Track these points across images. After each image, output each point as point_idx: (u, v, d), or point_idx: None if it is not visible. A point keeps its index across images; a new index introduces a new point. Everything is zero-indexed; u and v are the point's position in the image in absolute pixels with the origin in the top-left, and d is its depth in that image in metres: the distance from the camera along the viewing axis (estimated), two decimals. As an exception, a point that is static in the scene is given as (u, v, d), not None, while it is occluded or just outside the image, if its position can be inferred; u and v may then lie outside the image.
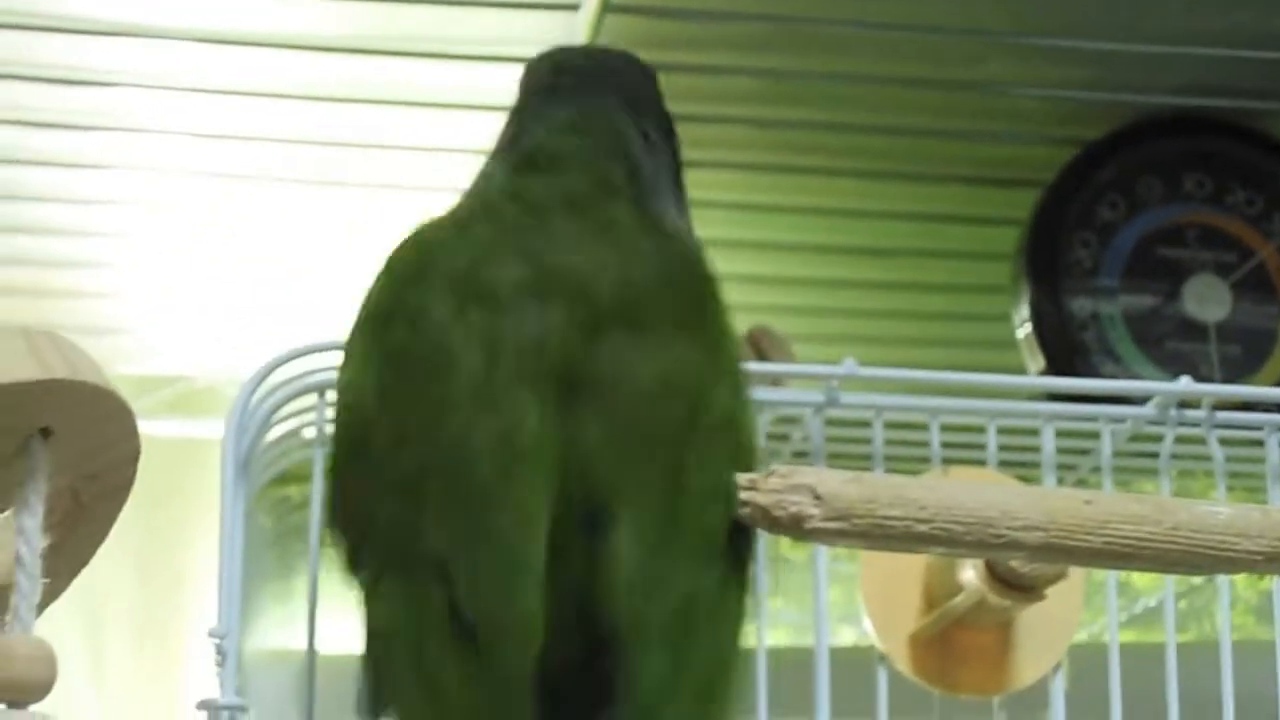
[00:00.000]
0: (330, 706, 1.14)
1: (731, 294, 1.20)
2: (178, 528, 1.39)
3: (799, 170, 1.17)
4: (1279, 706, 0.85)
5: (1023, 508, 0.70)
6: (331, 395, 0.81)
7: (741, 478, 0.68)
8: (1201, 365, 1.08)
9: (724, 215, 1.20)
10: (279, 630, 1.12)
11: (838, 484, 0.69)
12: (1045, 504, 0.70)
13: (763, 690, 0.82)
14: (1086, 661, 0.91)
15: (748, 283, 1.24)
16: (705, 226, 1.20)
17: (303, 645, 1.15)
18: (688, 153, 1.11)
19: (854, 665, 0.85)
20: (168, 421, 1.46)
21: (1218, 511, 0.71)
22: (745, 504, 0.68)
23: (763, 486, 0.68)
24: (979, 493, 0.70)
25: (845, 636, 1.21)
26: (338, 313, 1.33)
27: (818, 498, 0.68)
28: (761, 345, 1.03)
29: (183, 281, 1.34)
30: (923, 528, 0.69)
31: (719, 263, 1.23)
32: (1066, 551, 0.70)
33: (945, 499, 0.69)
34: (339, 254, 1.26)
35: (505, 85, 1.04)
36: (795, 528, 0.68)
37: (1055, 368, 1.04)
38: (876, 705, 0.82)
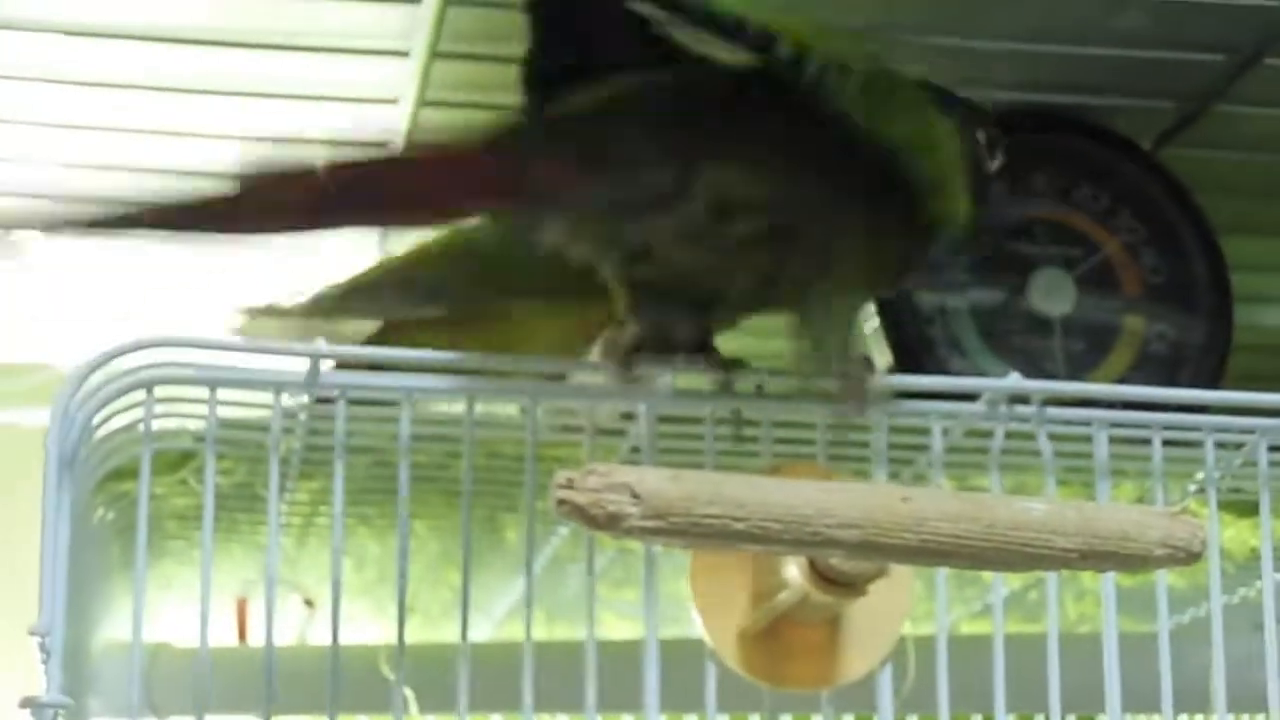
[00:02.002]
0: (170, 695, 1.14)
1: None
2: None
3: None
4: (1104, 696, 0.86)
5: (839, 506, 0.70)
6: (160, 391, 0.81)
7: (559, 475, 0.68)
8: (1046, 360, 1.09)
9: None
10: (127, 623, 1.11)
11: (657, 482, 0.69)
12: (862, 502, 0.71)
13: (592, 684, 0.82)
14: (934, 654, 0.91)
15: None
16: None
17: (146, 637, 1.15)
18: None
19: (688, 659, 0.86)
20: (27, 411, 1.45)
21: (1033, 509, 0.72)
22: (562, 502, 0.68)
23: (580, 485, 0.68)
24: (797, 491, 0.71)
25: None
26: (192, 302, 1.34)
27: (636, 496, 0.68)
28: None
29: (44, 269, 1.33)
30: (739, 526, 0.69)
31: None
32: (883, 549, 0.71)
33: (763, 497, 0.70)
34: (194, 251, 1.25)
35: (350, 78, 1.05)
36: (613, 526, 0.69)
37: (902, 362, 1.04)
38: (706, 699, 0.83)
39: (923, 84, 0.83)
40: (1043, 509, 0.72)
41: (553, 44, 0.83)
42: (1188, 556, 0.73)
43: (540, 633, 1.34)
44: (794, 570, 0.80)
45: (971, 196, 0.83)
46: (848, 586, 0.79)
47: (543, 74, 0.83)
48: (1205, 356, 1.12)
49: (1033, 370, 1.03)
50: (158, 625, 1.21)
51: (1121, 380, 1.10)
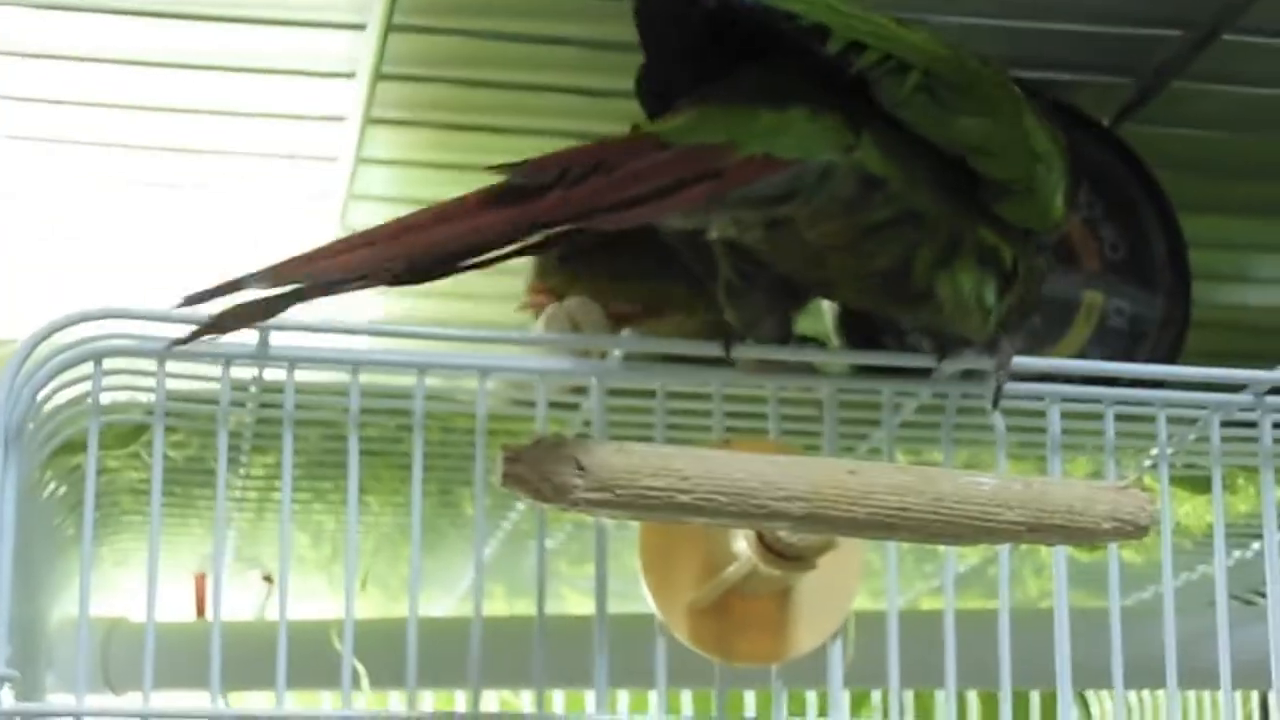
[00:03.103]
0: (127, 670, 1.14)
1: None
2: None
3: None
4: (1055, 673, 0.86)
5: (786, 479, 0.70)
6: (109, 364, 0.81)
7: (505, 448, 0.68)
8: (1014, 334, 1.09)
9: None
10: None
11: (603, 454, 0.69)
12: (809, 475, 0.71)
13: (540, 660, 0.82)
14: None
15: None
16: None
17: (103, 612, 1.15)
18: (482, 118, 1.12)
19: (641, 634, 0.86)
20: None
21: (981, 483, 0.72)
22: (508, 476, 0.68)
23: (526, 458, 0.68)
24: (744, 464, 0.71)
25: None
26: (137, 275, 1.33)
27: (581, 468, 0.68)
28: (575, 316, 1.02)
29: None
30: (685, 498, 0.69)
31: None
32: (829, 522, 0.71)
33: (709, 469, 0.70)
34: (142, 218, 1.25)
35: (306, 51, 1.05)
36: (559, 499, 0.69)
37: (855, 337, 1.04)
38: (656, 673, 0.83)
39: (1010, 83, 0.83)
40: (991, 483, 0.72)
41: (660, 56, 0.82)
42: (1135, 530, 0.73)
43: (501, 608, 1.34)
44: (743, 543, 0.80)
45: (1066, 200, 0.84)
46: (796, 560, 0.79)
47: (654, 83, 0.82)
48: (1163, 332, 1.12)
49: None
50: (115, 600, 1.21)
51: (1080, 355, 1.10)
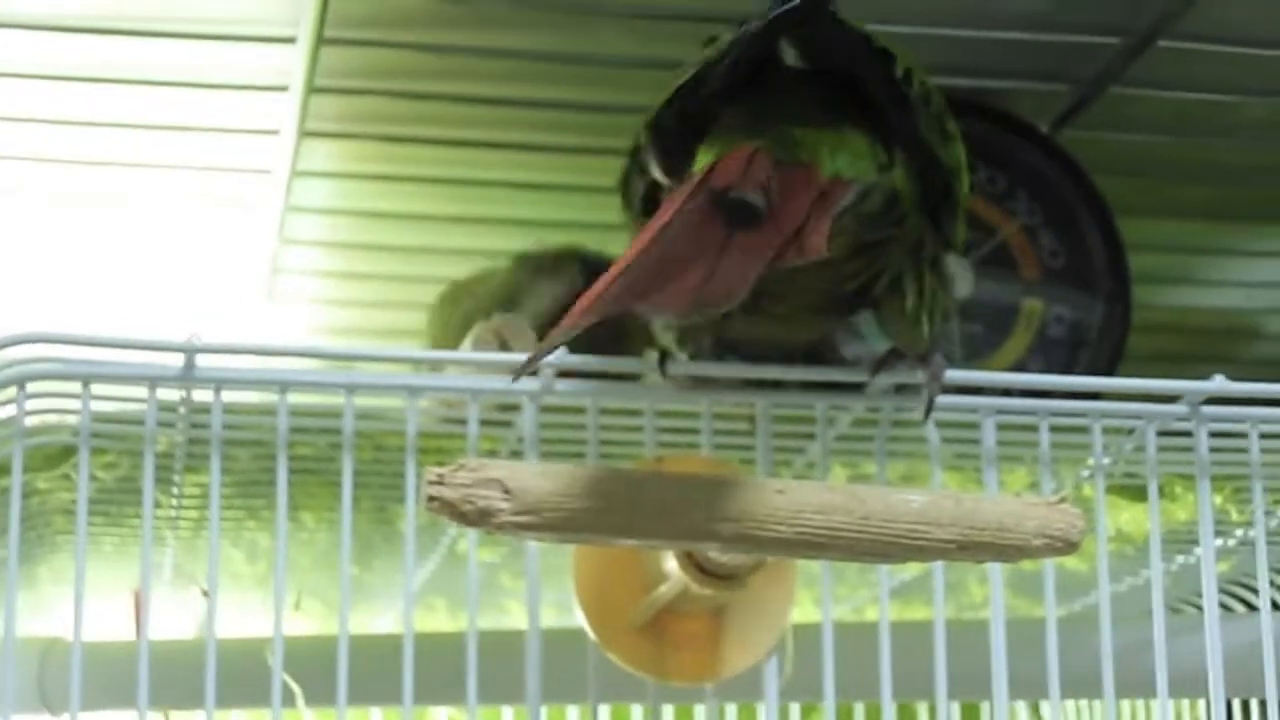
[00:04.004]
0: (64, 690, 1.13)
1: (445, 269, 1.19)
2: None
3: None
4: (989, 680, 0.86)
5: (714, 499, 0.70)
6: (33, 387, 0.80)
7: (430, 472, 0.67)
8: (946, 344, 1.09)
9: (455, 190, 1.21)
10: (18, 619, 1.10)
11: (528, 478, 0.68)
12: (737, 495, 0.70)
13: (473, 676, 0.81)
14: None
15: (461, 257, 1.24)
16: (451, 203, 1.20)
17: (41, 631, 1.13)
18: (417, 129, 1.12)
19: (576, 649, 0.85)
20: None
21: (910, 500, 0.72)
22: (433, 499, 0.67)
23: (451, 481, 0.67)
24: (672, 485, 0.70)
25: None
26: (71, 291, 1.32)
27: (507, 492, 0.68)
28: (503, 334, 1.02)
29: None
30: (613, 520, 0.69)
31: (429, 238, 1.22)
32: (758, 542, 0.70)
33: (636, 492, 0.69)
34: (74, 233, 1.24)
35: (239, 65, 1.04)
36: (484, 522, 0.68)
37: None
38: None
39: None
40: (920, 500, 0.72)
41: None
42: (1066, 546, 0.73)
43: (444, 623, 1.33)
44: (674, 563, 0.79)
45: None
46: (727, 579, 0.78)
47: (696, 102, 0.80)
48: (1104, 338, 1.12)
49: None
50: (52, 620, 1.20)
51: (1020, 362, 1.10)
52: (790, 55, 0.79)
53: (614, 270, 0.69)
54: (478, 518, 0.67)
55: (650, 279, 0.69)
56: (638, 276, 0.69)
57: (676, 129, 0.79)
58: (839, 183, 0.75)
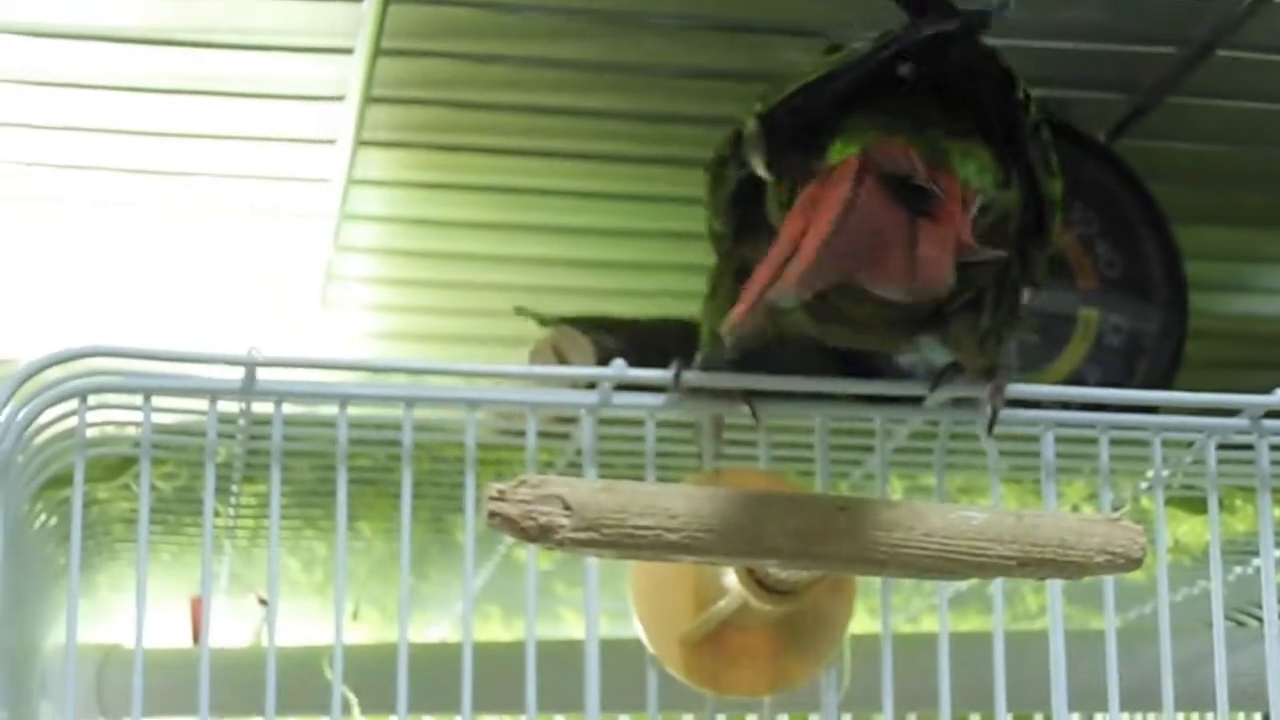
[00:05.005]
0: (123, 696, 1.13)
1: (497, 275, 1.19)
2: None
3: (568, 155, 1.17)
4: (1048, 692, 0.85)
5: (775, 516, 0.69)
6: (94, 399, 0.80)
7: (491, 487, 0.68)
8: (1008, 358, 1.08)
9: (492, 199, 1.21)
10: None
11: (589, 493, 0.68)
12: (799, 512, 0.70)
13: (532, 685, 0.81)
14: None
15: (513, 264, 1.24)
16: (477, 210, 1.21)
17: (100, 638, 1.14)
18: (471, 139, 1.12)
19: (634, 658, 0.85)
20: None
21: (971, 517, 0.72)
22: (494, 515, 0.67)
23: (512, 497, 0.67)
24: (733, 501, 0.70)
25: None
26: (131, 300, 1.33)
27: (568, 508, 0.68)
28: (560, 346, 1.02)
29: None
30: (673, 537, 0.68)
31: (481, 245, 1.22)
32: (820, 559, 0.70)
33: (697, 508, 0.69)
34: (135, 242, 1.25)
35: (296, 75, 1.05)
36: (545, 538, 0.68)
37: (849, 363, 1.03)
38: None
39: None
40: (981, 517, 0.71)
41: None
42: (1128, 563, 0.73)
43: (498, 630, 1.34)
44: (733, 577, 0.79)
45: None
46: (786, 594, 0.78)
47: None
48: (1161, 346, 1.11)
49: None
50: (111, 627, 1.21)
51: (1077, 372, 1.10)
52: (904, 68, 0.77)
53: (808, 243, 0.67)
54: (538, 534, 0.67)
55: (855, 252, 0.67)
56: (840, 248, 0.67)
57: (790, 126, 0.77)
58: (970, 191, 0.74)
